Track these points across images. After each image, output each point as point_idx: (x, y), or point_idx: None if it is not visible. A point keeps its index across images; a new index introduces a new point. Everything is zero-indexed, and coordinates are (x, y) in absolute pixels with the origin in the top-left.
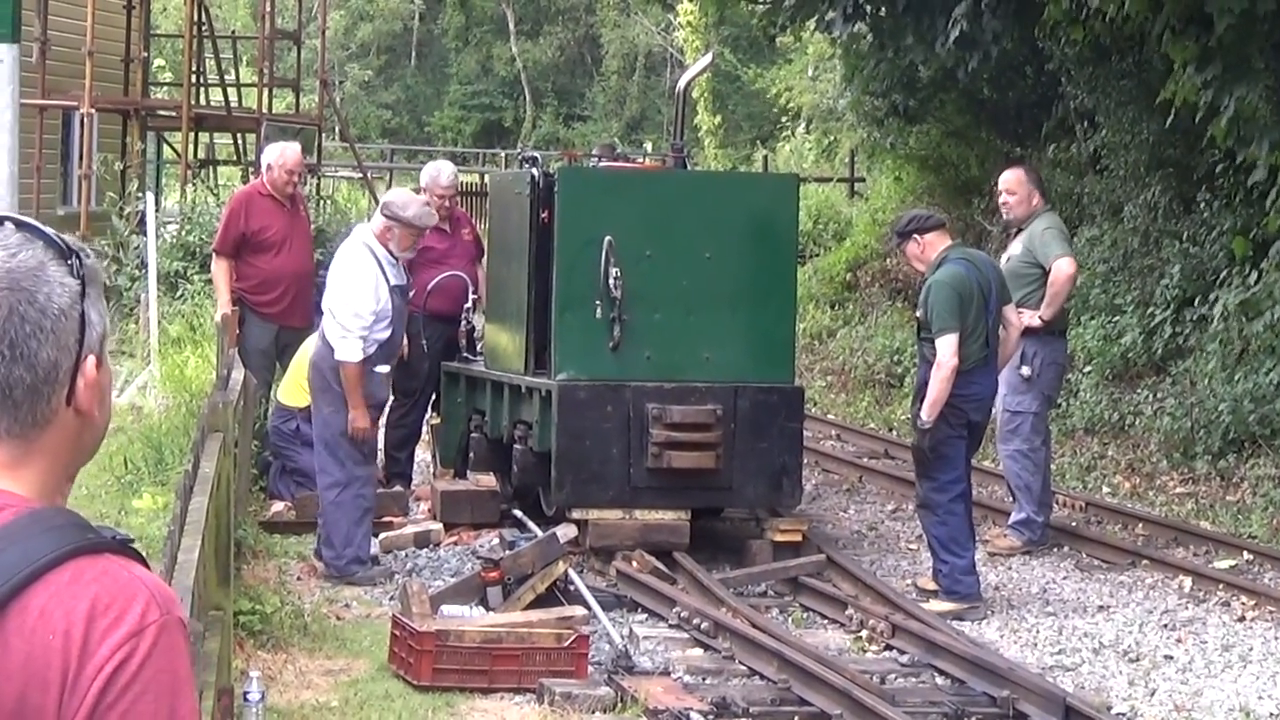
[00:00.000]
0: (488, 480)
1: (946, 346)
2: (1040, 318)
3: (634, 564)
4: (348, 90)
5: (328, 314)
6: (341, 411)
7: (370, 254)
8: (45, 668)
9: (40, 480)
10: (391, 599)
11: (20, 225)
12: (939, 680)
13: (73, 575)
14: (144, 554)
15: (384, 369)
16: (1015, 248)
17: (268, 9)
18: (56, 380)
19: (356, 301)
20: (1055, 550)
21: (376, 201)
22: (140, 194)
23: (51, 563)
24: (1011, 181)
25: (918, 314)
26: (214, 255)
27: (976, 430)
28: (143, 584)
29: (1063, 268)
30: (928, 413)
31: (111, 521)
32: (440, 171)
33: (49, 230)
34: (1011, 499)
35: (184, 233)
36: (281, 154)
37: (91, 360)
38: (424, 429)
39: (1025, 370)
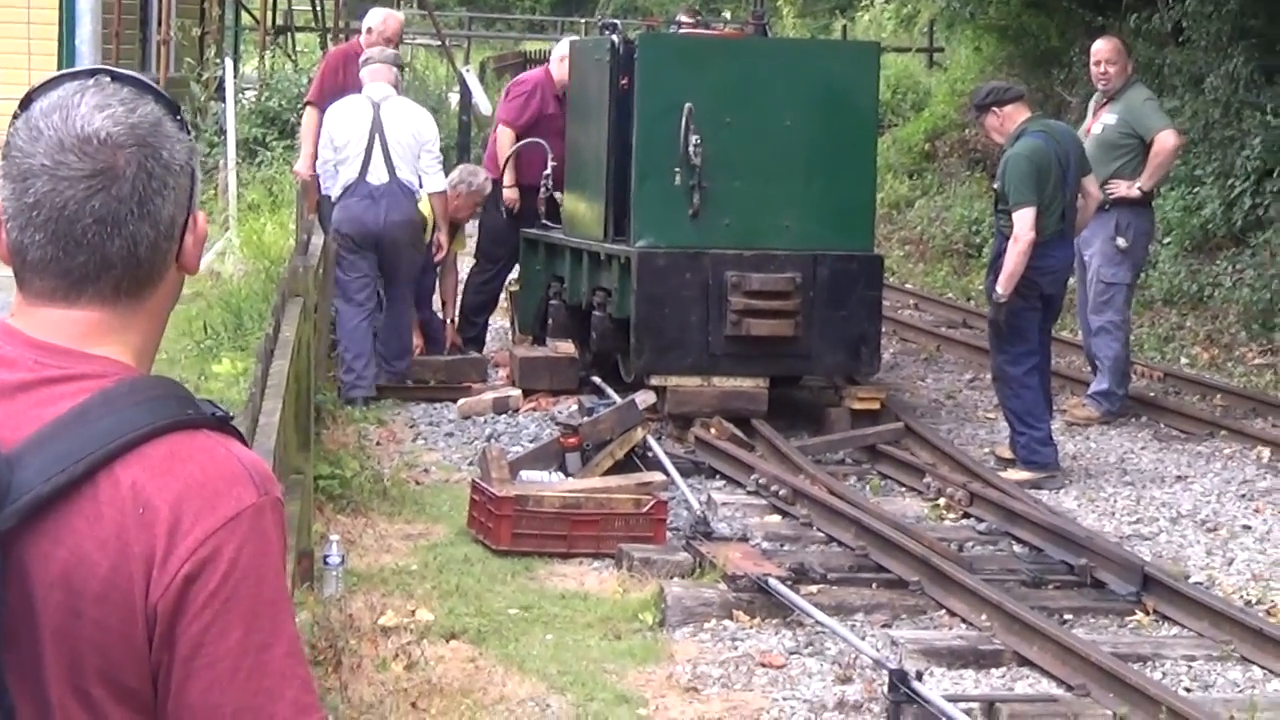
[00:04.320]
0: (566, 347)
1: (1024, 220)
2: (1140, 188)
3: (712, 431)
4: None
5: (412, 166)
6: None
7: None
8: (136, 542)
9: (141, 343)
10: (470, 464)
11: (120, 78)
12: (1016, 548)
13: (169, 451)
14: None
15: None
16: (1108, 117)
17: None
18: (174, 237)
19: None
20: (1133, 420)
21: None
22: (219, 60)
23: (146, 435)
24: (1109, 51)
25: (995, 186)
26: (307, 107)
27: (1052, 303)
28: (240, 463)
29: (1168, 140)
30: (1003, 286)
31: (191, 386)
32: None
33: (152, 83)
34: (1092, 370)
35: (262, 99)
36: (384, 21)
37: (201, 216)
38: (502, 295)
39: (1121, 242)
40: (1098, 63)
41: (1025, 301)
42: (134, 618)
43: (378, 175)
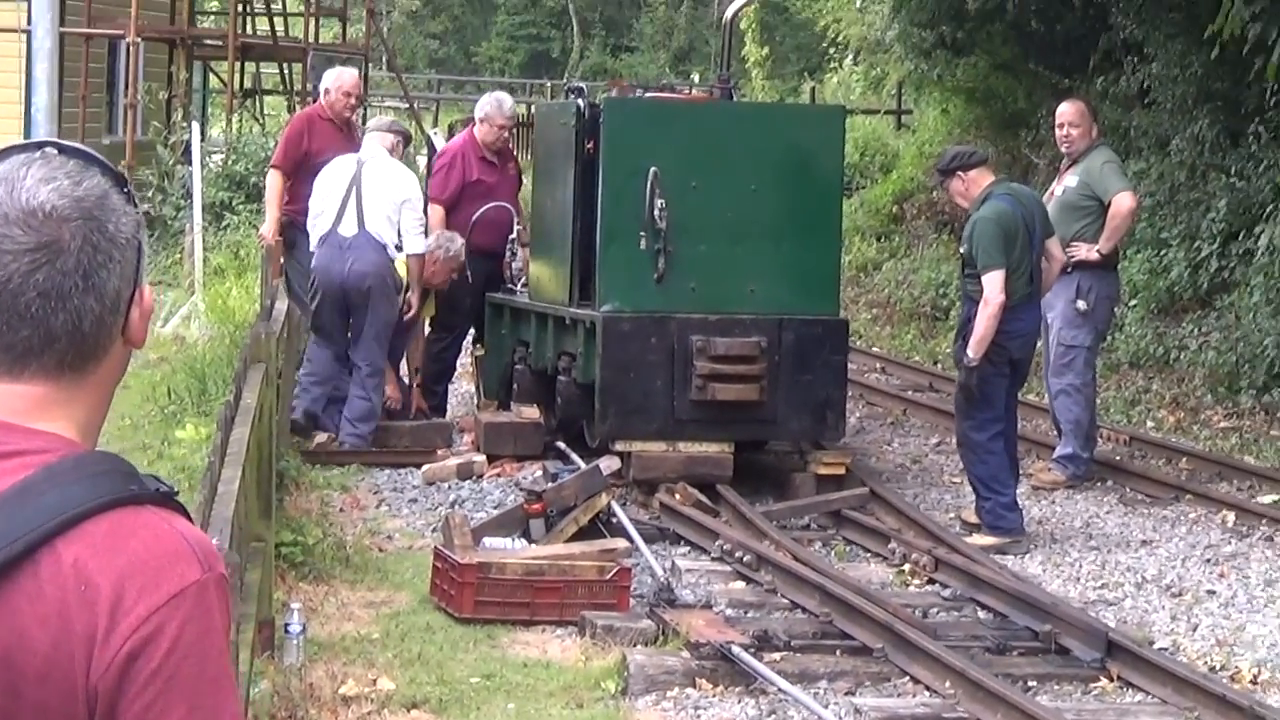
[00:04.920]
0: (531, 412)
1: (993, 283)
2: (1098, 251)
3: (677, 496)
4: (395, 20)
5: (388, 221)
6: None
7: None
8: (77, 620)
9: (86, 418)
10: (434, 531)
11: (67, 151)
12: (981, 614)
13: (111, 527)
14: (186, 507)
15: None
16: (1070, 180)
17: None
18: (119, 311)
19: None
20: (1099, 485)
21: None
22: (186, 124)
23: (89, 512)
24: (1073, 114)
25: (961, 250)
26: (271, 170)
27: (1020, 367)
28: (184, 540)
29: (1124, 202)
30: (974, 350)
31: (154, 452)
32: (502, 102)
33: (99, 156)
34: (1056, 433)
35: (229, 163)
36: (339, 77)
37: (148, 289)
38: (467, 360)
39: (1081, 304)
40: (1061, 125)
41: (994, 367)
42: (75, 697)
43: (348, 227)
